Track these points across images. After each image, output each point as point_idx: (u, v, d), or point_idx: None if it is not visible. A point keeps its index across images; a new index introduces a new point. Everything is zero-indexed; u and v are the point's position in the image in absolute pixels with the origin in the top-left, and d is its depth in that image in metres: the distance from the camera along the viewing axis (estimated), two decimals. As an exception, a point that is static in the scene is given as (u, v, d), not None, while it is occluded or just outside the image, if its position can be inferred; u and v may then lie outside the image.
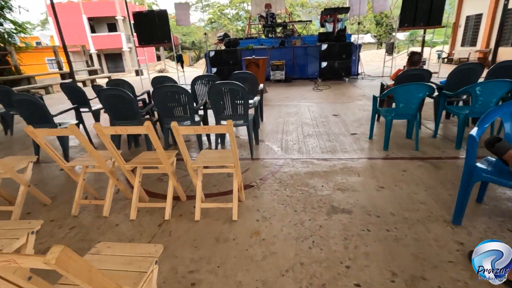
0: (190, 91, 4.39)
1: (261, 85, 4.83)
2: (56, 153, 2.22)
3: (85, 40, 24.08)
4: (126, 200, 2.58)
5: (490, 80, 3.26)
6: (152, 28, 10.29)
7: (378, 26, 31.76)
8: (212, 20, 33.31)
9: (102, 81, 16.00)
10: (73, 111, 4.42)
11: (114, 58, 26.93)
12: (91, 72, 15.20)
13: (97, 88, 3.59)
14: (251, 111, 3.55)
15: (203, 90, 4.41)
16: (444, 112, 4.33)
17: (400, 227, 2.02)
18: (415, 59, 3.99)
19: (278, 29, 12.66)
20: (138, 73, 19.98)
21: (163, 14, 10.20)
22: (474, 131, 1.92)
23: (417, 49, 19.36)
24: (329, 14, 10.95)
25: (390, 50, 9.80)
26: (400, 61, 11.15)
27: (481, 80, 3.91)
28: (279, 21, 13.09)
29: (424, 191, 2.48)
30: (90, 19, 25.02)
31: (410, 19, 9.09)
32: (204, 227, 2.14)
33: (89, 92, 4.58)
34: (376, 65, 16.28)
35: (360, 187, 2.61)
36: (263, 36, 13.40)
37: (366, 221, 2.11)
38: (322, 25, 12.45)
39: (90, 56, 25.62)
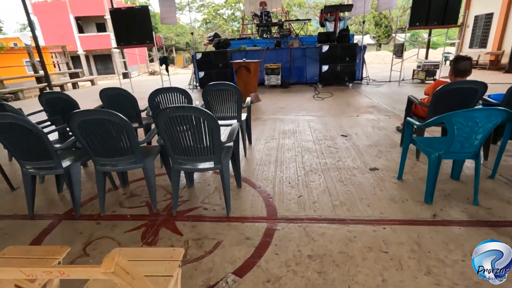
0: (149, 109, 3.23)
1: (248, 99, 3.66)
2: None
3: (72, 41, 22.82)
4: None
5: None
6: (132, 27, 9.10)
7: (377, 27, 30.73)
8: (207, 21, 32.14)
9: (85, 84, 14.75)
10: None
11: (103, 60, 25.66)
12: (72, 75, 13.94)
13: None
14: (229, 142, 2.38)
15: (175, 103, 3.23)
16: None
17: None
18: (462, 67, 2.79)
19: (274, 29, 11.51)
20: (124, 76, 18.80)
21: (144, 11, 9.00)
22: None
23: (422, 51, 18.37)
24: (330, 12, 9.80)
25: (400, 52, 8.65)
26: (409, 64, 9.99)
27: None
28: (274, 20, 11.94)
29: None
30: (78, 19, 23.74)
31: (423, 17, 7.96)
32: None
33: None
34: (379, 67, 15.20)
35: (411, 300, 1.45)
36: (257, 37, 12.25)
37: None
38: (322, 25, 11.31)
39: (78, 57, 24.41)
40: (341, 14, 9.86)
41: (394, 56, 8.90)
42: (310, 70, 9.49)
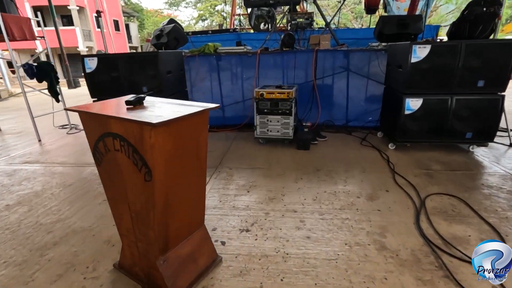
0: None
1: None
2: None
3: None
4: None
5: None
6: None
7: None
8: (203, 17, 26.91)
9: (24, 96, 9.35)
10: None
11: (73, 60, 20.48)
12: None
13: None
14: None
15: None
16: None
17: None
18: None
19: (280, 15, 6.19)
20: (69, 85, 13.56)
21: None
22: None
23: None
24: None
25: None
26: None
27: None
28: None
29: None
30: (37, 9, 18.58)
31: None
32: None
33: None
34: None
35: None
36: (251, 30, 6.93)
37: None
38: (370, 10, 5.94)
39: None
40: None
41: None
42: (358, 100, 4.12)
